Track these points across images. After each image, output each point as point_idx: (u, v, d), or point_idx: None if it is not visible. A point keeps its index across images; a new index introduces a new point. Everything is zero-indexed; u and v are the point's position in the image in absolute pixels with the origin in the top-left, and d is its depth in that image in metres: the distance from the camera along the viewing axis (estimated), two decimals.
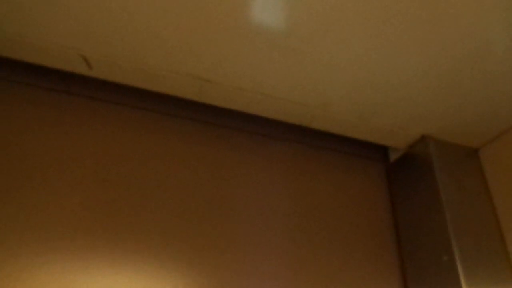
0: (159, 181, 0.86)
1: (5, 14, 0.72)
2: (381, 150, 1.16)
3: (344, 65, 0.80)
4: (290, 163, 1.02)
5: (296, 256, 0.89)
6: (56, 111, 0.87)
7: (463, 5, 0.68)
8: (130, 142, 0.88)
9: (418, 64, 0.80)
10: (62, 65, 0.83)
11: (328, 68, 0.81)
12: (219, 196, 0.89)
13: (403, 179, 1.05)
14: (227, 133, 0.99)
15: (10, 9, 0.71)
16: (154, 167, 0.87)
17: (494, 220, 0.95)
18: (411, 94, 0.88)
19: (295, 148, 1.05)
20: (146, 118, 0.93)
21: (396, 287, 0.95)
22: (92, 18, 0.72)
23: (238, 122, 1.01)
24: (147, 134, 0.91)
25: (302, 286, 0.86)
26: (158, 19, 0.72)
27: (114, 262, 0.75)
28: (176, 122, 0.95)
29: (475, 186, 0.99)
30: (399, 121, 0.96)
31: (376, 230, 1.01)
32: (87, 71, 0.84)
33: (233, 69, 0.81)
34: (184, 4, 0.69)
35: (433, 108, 0.92)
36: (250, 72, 0.82)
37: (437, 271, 0.88)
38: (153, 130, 0.92)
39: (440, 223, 0.91)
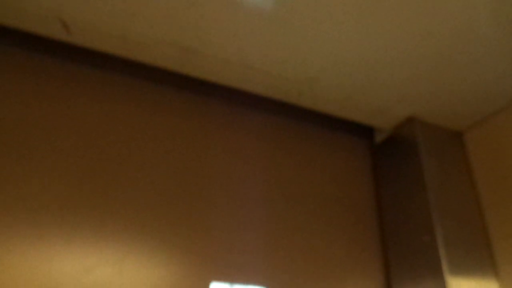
0: (139, 150, 0.83)
1: None
2: (367, 131, 1.15)
3: (333, 40, 0.78)
4: (274, 138, 1.00)
5: (276, 230, 0.88)
6: (36, 77, 0.83)
7: None
8: (110, 111, 0.85)
9: (406, 44, 0.79)
10: (39, 29, 0.79)
11: (317, 42, 0.79)
12: (199, 166, 0.87)
13: (387, 160, 1.05)
14: (210, 105, 0.96)
15: None
16: (134, 136, 0.84)
17: (476, 203, 0.96)
18: (399, 74, 0.87)
19: (280, 123, 1.03)
20: (128, 87, 0.89)
21: (376, 265, 0.95)
22: None
23: (222, 94, 0.99)
24: (128, 103, 0.88)
25: (280, 260, 0.86)
26: None
27: (95, 230, 0.73)
28: (158, 92, 0.92)
29: (459, 169, 0.99)
30: (386, 101, 0.95)
31: (358, 209, 1.01)
32: (65, 36, 0.80)
33: (218, 39, 0.78)
34: None
35: (421, 89, 0.91)
36: (236, 43, 0.79)
37: (418, 250, 0.88)
38: (134, 99, 0.89)
39: (423, 204, 0.90)
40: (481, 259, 0.88)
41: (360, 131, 1.14)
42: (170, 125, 0.89)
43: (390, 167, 1.03)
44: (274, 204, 0.92)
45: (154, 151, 0.85)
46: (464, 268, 0.84)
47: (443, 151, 0.99)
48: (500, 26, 0.75)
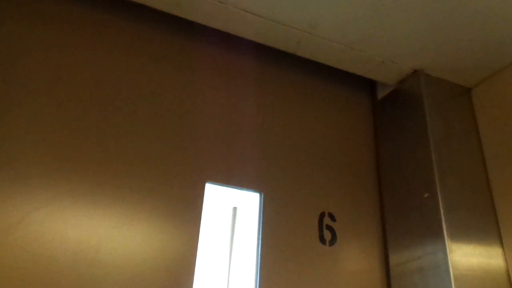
0: (130, 91, 0.81)
1: None
2: (368, 86, 1.10)
3: None
4: (271, 87, 0.96)
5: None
6: (28, 18, 0.79)
7: None
8: (99, 53, 0.81)
9: None
10: None
11: None
12: (190, 111, 0.85)
13: (390, 116, 1.00)
14: (204, 51, 0.92)
15: None
16: (124, 78, 0.81)
17: (481, 161, 0.92)
18: (406, 24, 0.82)
19: (278, 73, 0.99)
20: (118, 30, 0.85)
21: (374, 222, 0.93)
22: None
23: (217, 40, 0.94)
24: (118, 46, 0.84)
25: (275, 171, 0.87)
26: None
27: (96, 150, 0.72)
28: (150, 35, 0.88)
29: (465, 126, 0.94)
30: (391, 52, 0.90)
31: (356, 165, 0.98)
32: None
33: None
34: None
35: (428, 40, 0.86)
36: None
37: (417, 207, 0.85)
38: (124, 42, 0.84)
39: (425, 161, 0.87)
40: (484, 222, 0.85)
41: (362, 86, 1.09)
42: (163, 69, 0.86)
43: (392, 123, 0.99)
44: (270, 142, 0.91)
45: (145, 94, 0.82)
46: (466, 231, 0.81)
47: (449, 107, 0.94)
48: None
